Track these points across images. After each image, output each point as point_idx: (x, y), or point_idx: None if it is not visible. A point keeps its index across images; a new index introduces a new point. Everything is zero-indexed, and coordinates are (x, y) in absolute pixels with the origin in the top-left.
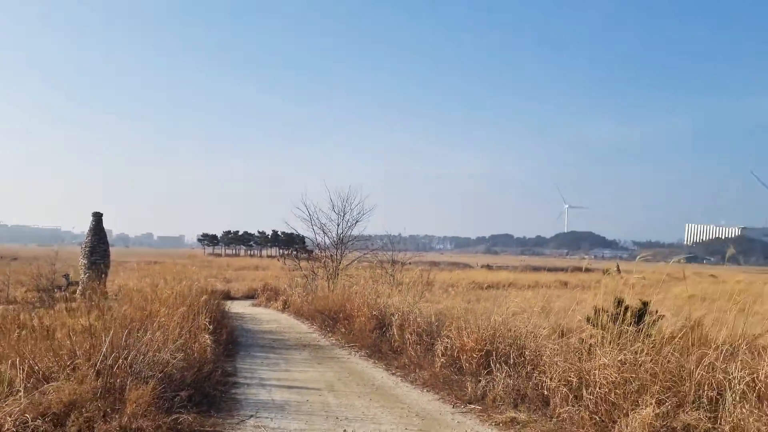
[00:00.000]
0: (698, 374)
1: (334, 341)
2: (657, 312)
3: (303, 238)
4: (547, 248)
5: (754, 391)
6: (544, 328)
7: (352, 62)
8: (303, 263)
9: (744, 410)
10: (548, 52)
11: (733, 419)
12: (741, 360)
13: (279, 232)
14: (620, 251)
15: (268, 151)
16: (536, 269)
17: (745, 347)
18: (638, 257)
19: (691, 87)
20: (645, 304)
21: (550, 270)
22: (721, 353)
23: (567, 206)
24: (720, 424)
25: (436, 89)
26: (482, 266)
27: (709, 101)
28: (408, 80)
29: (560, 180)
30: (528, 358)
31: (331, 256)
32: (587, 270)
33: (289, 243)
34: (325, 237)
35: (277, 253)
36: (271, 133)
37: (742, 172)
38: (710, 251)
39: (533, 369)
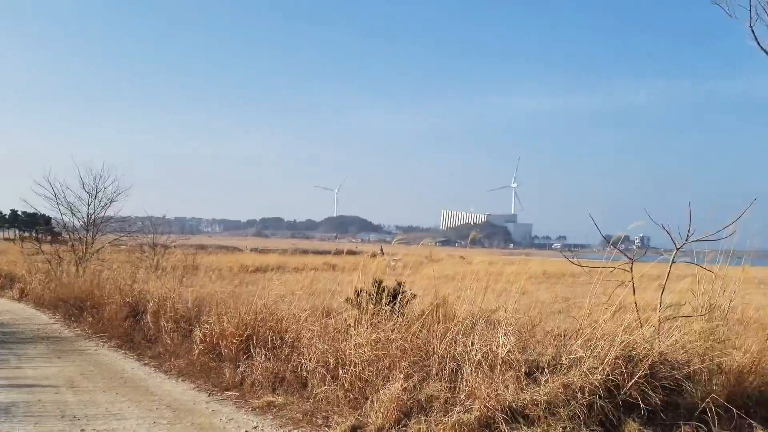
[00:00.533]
0: (442, 348)
1: (79, 332)
2: (410, 291)
3: (49, 218)
4: (318, 232)
5: (487, 361)
6: (305, 311)
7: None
8: (46, 247)
9: (478, 378)
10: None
11: (468, 387)
12: (479, 333)
13: (19, 212)
14: (385, 235)
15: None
16: (305, 252)
17: (483, 321)
18: (394, 240)
19: (457, 82)
20: (400, 284)
21: (318, 253)
22: (461, 328)
23: (336, 190)
24: (458, 392)
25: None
26: (251, 249)
27: (468, 97)
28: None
29: (332, 165)
30: (288, 341)
31: (80, 238)
32: (353, 252)
33: (33, 224)
34: (74, 218)
35: (15, 235)
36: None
37: (494, 162)
38: (461, 235)
39: (292, 352)
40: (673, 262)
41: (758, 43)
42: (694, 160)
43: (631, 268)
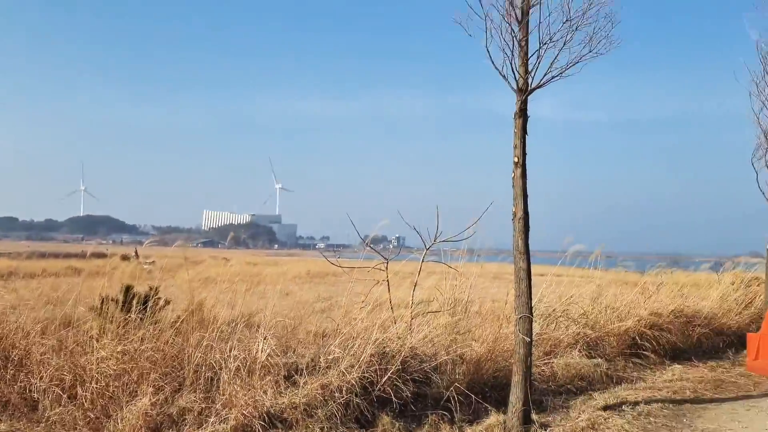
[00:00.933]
0: (197, 356)
1: None
2: (164, 298)
3: None
4: (60, 233)
5: (245, 367)
6: (39, 323)
7: None
8: None
9: (235, 386)
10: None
11: (225, 396)
12: (238, 338)
13: None
14: (141, 236)
15: None
16: (43, 256)
17: (242, 325)
18: (146, 242)
19: (218, 79)
20: (152, 289)
21: (60, 256)
22: (217, 334)
23: (84, 188)
24: (214, 402)
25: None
26: None
27: (231, 95)
28: None
29: (74, 160)
30: (15, 359)
31: None
32: (102, 255)
33: None
34: None
35: None
36: None
37: (254, 161)
38: (225, 236)
39: (19, 371)
40: (423, 261)
41: (492, 62)
42: (450, 169)
43: (386, 267)
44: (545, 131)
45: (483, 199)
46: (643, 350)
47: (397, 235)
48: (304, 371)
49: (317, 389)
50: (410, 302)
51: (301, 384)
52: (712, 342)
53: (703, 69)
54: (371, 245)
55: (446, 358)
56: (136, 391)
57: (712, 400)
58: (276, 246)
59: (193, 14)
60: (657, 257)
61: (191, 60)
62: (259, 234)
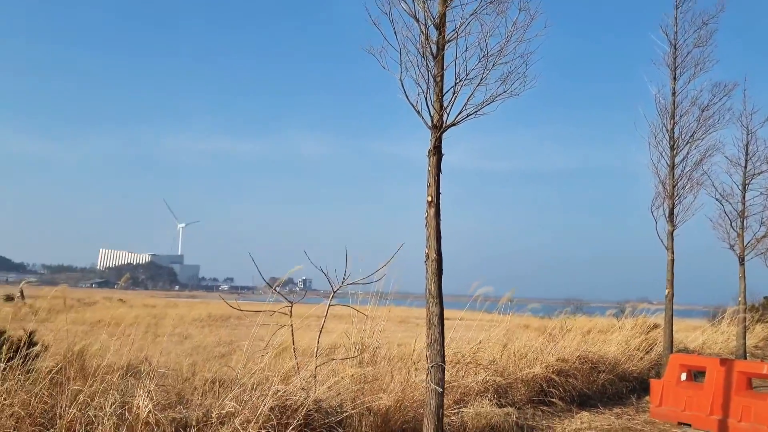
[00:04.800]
0: (71, 412)
1: None
2: (41, 343)
3: None
4: None
5: (125, 424)
6: None
7: None
8: None
9: None
10: None
11: None
12: (121, 390)
13: None
14: (29, 275)
15: None
16: None
17: (131, 374)
18: (23, 282)
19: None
20: (29, 333)
21: None
22: (99, 386)
23: None
24: None
25: None
26: None
27: (129, 130)
28: None
29: None
30: None
31: None
32: None
33: None
34: None
35: None
36: None
37: (153, 199)
38: (122, 275)
39: None
40: (330, 304)
41: (407, 97)
42: (359, 212)
43: (290, 311)
44: (456, 177)
45: (393, 241)
46: (551, 397)
47: (304, 278)
48: (194, 428)
49: None
50: (315, 349)
51: None
52: (616, 387)
53: (604, 123)
54: (276, 288)
55: (353, 411)
56: None
57: None
58: (177, 287)
59: (98, 43)
60: (563, 302)
61: (91, 93)
62: (160, 275)
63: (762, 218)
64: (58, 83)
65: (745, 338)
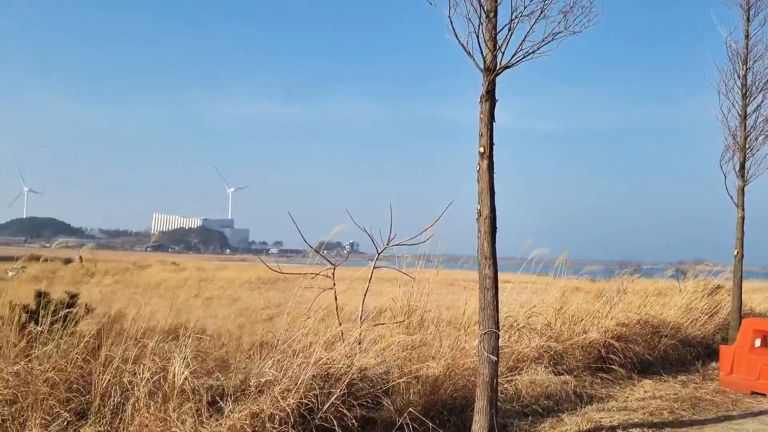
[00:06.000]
0: (105, 378)
1: None
2: (86, 305)
3: None
4: (1, 236)
5: (161, 391)
6: None
7: None
8: None
9: (148, 414)
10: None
11: (134, 427)
12: (156, 356)
13: None
14: (87, 239)
15: None
16: None
17: (170, 338)
18: (83, 248)
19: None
20: (72, 296)
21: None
22: (136, 350)
23: (27, 189)
24: None
25: None
26: None
27: (179, 97)
28: None
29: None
30: None
31: None
32: (45, 260)
33: None
34: None
35: None
36: None
37: (202, 166)
38: (175, 240)
39: None
40: (375, 266)
41: (456, 36)
42: (406, 172)
43: (333, 274)
44: (501, 138)
45: (442, 205)
46: (610, 364)
47: (351, 241)
48: (231, 397)
49: (246, 418)
50: (360, 314)
51: (227, 413)
52: (679, 353)
53: (668, 69)
54: (320, 251)
55: (399, 380)
56: (27, 421)
57: (692, 423)
58: (228, 251)
59: (146, 15)
60: (620, 264)
61: (142, 62)
62: (211, 239)
63: None
64: (110, 49)
65: None
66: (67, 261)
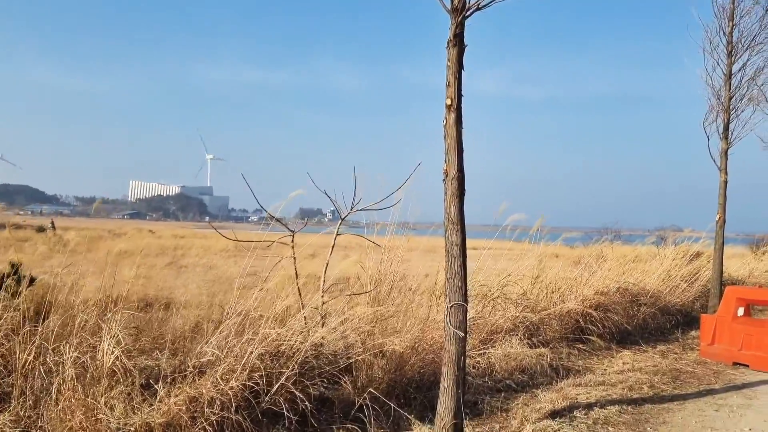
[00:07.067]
0: (23, 358)
1: None
2: (29, 276)
3: None
4: None
5: (88, 373)
6: None
7: None
8: None
9: (72, 400)
10: None
11: (56, 412)
12: (78, 334)
13: None
14: (62, 207)
15: None
16: None
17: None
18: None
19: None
20: (14, 266)
21: None
22: (79, 326)
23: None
24: (41, 420)
25: None
26: None
27: (156, 65)
28: None
29: None
30: None
31: None
32: (18, 227)
33: None
34: None
35: None
36: None
37: (184, 133)
38: (153, 207)
39: None
40: (339, 233)
41: None
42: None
43: (292, 241)
44: (486, 105)
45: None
46: (588, 334)
47: (333, 209)
48: (167, 379)
49: (182, 404)
50: (321, 284)
51: (159, 397)
52: (658, 322)
53: (648, 39)
54: (275, 217)
55: (362, 356)
56: None
57: (673, 398)
58: (207, 218)
59: None
60: (600, 231)
61: (120, 28)
62: (190, 206)
63: None
64: (89, 10)
65: None
66: (40, 229)
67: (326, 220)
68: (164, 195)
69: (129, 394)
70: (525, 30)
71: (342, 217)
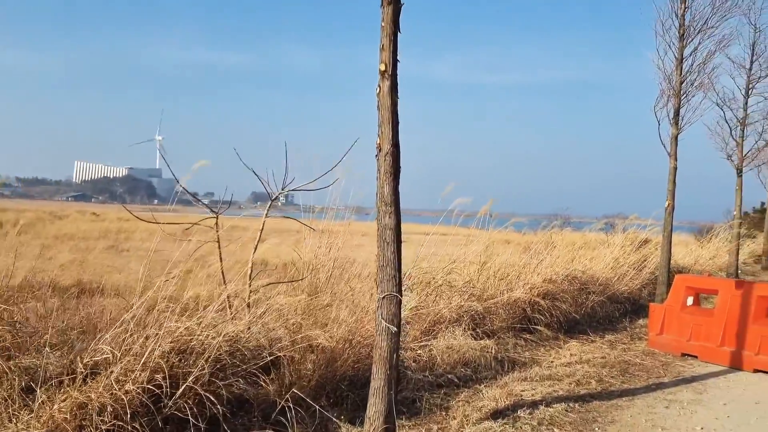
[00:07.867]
0: None
1: None
2: None
3: None
4: None
5: None
6: None
7: None
8: None
9: None
10: None
11: None
12: None
13: None
14: (2, 188)
15: None
16: None
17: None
18: None
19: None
20: None
21: None
22: None
23: None
24: None
25: None
26: None
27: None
28: None
29: None
30: None
31: None
32: None
33: None
34: None
35: None
36: None
37: (131, 113)
38: (98, 190)
39: None
40: (267, 215)
41: None
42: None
43: (216, 224)
44: (440, 89)
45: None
46: (535, 324)
47: (287, 192)
48: (54, 381)
49: (66, 411)
50: (248, 270)
51: (39, 403)
52: (606, 310)
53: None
54: (192, 194)
55: (281, 354)
56: None
57: (622, 393)
58: (156, 201)
59: None
60: (549, 217)
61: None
62: (138, 188)
63: (763, 126)
64: None
65: (738, 255)
66: None
67: (280, 204)
68: (111, 177)
69: (6, 399)
70: (480, 17)
71: (272, 198)
